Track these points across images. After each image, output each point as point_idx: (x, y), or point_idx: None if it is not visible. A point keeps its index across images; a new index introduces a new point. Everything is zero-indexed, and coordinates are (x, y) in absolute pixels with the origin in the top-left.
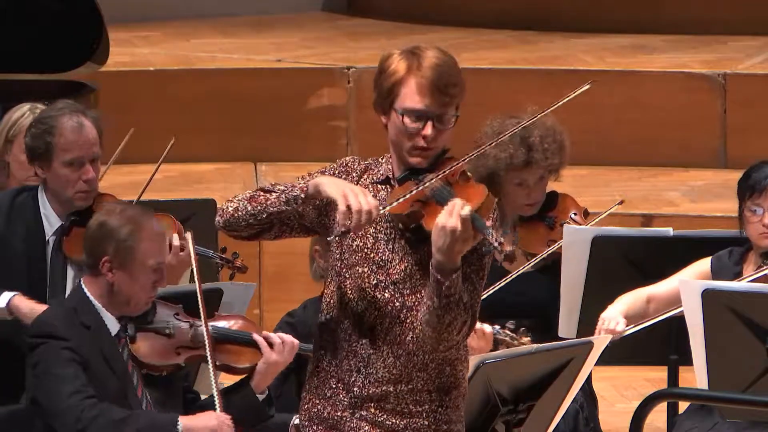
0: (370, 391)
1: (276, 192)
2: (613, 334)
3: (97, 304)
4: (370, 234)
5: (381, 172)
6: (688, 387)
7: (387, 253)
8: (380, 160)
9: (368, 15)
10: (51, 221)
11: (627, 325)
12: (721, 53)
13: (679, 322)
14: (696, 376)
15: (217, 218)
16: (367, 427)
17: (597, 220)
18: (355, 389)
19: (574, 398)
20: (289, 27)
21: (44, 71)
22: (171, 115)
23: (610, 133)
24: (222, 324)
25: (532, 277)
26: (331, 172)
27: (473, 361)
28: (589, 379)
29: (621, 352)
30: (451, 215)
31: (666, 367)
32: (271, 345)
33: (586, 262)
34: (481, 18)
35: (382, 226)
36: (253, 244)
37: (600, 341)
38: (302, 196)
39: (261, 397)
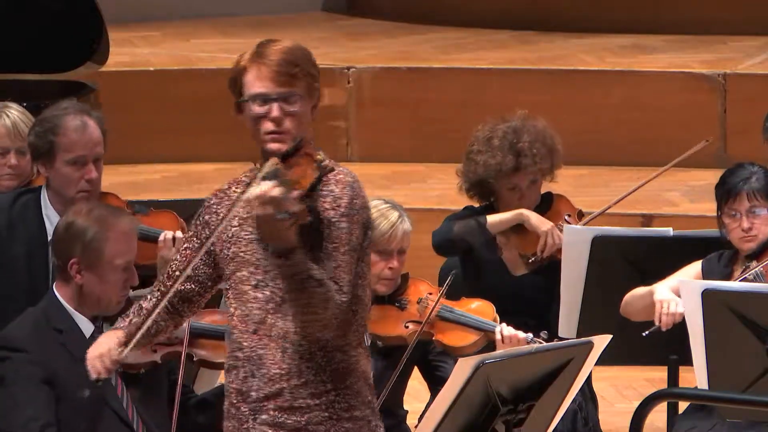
0: (266, 392)
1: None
2: (675, 318)
3: (69, 308)
4: (242, 238)
5: (253, 174)
6: (688, 387)
7: (261, 252)
8: (257, 166)
9: (368, 15)
10: (53, 221)
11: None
12: (721, 53)
13: (679, 322)
14: (696, 376)
15: None
16: (270, 431)
17: (591, 218)
18: (253, 393)
19: (573, 398)
20: (289, 27)
21: (44, 71)
22: (171, 115)
23: (609, 133)
24: (197, 319)
25: (529, 279)
26: (206, 206)
27: (473, 361)
28: (589, 379)
29: (621, 352)
30: (259, 202)
31: (666, 367)
32: None
33: (586, 262)
34: (481, 18)
35: (252, 227)
36: None
37: (600, 341)
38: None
39: None
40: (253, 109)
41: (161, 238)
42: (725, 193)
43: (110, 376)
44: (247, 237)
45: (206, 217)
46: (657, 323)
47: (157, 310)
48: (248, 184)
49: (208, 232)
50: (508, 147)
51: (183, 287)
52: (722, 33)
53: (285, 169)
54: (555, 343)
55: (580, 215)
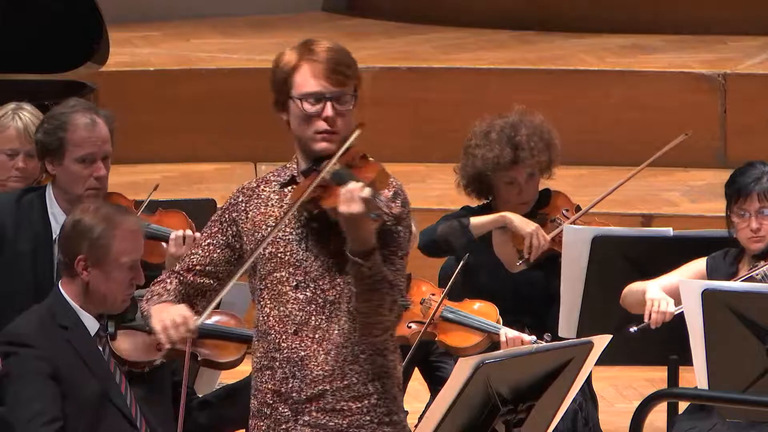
0: (308, 393)
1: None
2: (665, 317)
3: (74, 305)
4: (280, 239)
5: (286, 174)
6: (688, 387)
7: (301, 253)
8: (287, 165)
9: (368, 15)
10: (58, 219)
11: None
12: (721, 53)
13: (679, 322)
14: (696, 376)
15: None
16: None
17: (586, 210)
18: (294, 395)
19: (573, 398)
20: (289, 27)
21: (44, 71)
22: (171, 115)
23: (609, 133)
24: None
25: (527, 275)
26: (231, 202)
27: (473, 361)
28: (589, 379)
29: (621, 352)
30: (351, 200)
31: (666, 367)
32: None
33: (586, 262)
34: (481, 18)
35: (291, 228)
36: None
37: (600, 341)
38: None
39: None
40: (304, 108)
41: (172, 236)
42: (735, 192)
43: (183, 346)
44: (285, 237)
45: (234, 215)
46: (646, 320)
47: (227, 287)
48: (287, 185)
49: (235, 230)
50: (506, 140)
51: (202, 281)
52: (722, 33)
53: (347, 167)
54: (555, 343)
55: (578, 210)
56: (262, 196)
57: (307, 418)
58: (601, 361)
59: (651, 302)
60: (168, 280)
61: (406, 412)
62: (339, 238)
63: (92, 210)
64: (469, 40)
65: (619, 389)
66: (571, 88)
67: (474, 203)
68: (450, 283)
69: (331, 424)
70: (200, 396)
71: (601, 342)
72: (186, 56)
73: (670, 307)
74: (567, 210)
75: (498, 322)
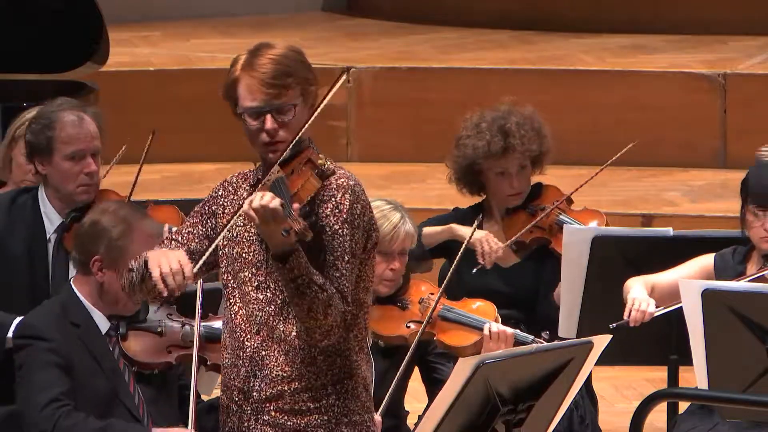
0: (268, 393)
1: (132, 270)
2: (644, 316)
3: (87, 303)
4: (245, 239)
5: (252, 175)
6: (688, 387)
7: (262, 253)
8: (259, 165)
9: (368, 15)
10: (52, 219)
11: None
12: (721, 53)
13: (679, 322)
14: (696, 376)
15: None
16: (270, 431)
17: (576, 190)
18: (254, 394)
19: None
20: (289, 27)
21: (44, 71)
22: (171, 115)
23: (609, 133)
24: (215, 324)
25: (519, 267)
26: (214, 195)
27: (473, 361)
28: (589, 379)
29: (621, 352)
30: (249, 205)
31: (666, 367)
32: None
33: (586, 262)
34: (481, 18)
35: (256, 228)
36: None
37: (600, 341)
38: (141, 273)
39: None
40: (247, 122)
41: (168, 232)
42: (754, 194)
43: (179, 293)
44: (249, 238)
45: (213, 207)
46: (626, 318)
47: (221, 236)
48: (252, 188)
49: (213, 223)
50: (496, 129)
51: None
52: (722, 33)
53: (287, 175)
54: (555, 343)
55: (569, 202)
56: (239, 194)
57: (266, 417)
58: (601, 361)
59: (632, 301)
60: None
61: (407, 412)
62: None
63: (111, 211)
64: (469, 40)
65: (619, 389)
66: (571, 88)
67: (468, 200)
68: (446, 281)
69: (289, 423)
70: (205, 399)
71: (601, 342)
72: (186, 56)
73: (650, 308)
74: (557, 201)
75: (497, 320)
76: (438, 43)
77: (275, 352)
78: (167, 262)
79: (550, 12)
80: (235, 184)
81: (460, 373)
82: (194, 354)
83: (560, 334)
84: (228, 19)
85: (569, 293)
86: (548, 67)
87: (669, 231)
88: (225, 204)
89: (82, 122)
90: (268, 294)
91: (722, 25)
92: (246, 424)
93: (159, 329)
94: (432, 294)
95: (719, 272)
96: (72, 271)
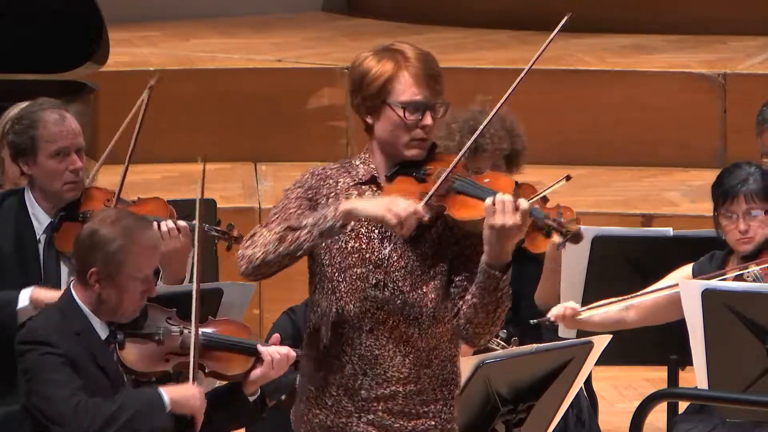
0: (378, 393)
1: (305, 228)
2: (566, 311)
3: (86, 310)
4: (362, 234)
5: (361, 172)
6: (688, 387)
7: (384, 251)
8: (353, 162)
9: (368, 15)
10: (40, 220)
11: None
12: (721, 53)
13: (679, 322)
14: (696, 376)
15: (244, 267)
16: (373, 431)
17: (540, 193)
18: (362, 392)
19: None
20: (289, 27)
21: (44, 71)
22: (171, 115)
23: (609, 133)
24: (214, 330)
25: None
26: (308, 184)
27: (472, 361)
28: (589, 379)
29: (621, 352)
30: (506, 213)
31: (666, 367)
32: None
33: (586, 262)
34: (481, 18)
35: (374, 225)
36: (251, 227)
37: (600, 341)
38: (338, 225)
39: (253, 398)
40: (405, 116)
41: (159, 230)
42: (722, 194)
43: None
44: (367, 234)
45: (312, 195)
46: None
47: (445, 174)
48: (364, 183)
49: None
50: (467, 130)
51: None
52: (722, 33)
53: (467, 173)
54: (555, 343)
55: (545, 200)
56: (340, 187)
57: (371, 416)
58: (601, 361)
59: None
60: (273, 231)
61: None
62: (429, 245)
63: (111, 221)
64: (469, 40)
65: (619, 389)
66: (571, 88)
67: None
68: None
69: (396, 425)
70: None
71: (601, 342)
72: (186, 56)
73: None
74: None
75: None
76: (438, 43)
77: (391, 352)
78: (396, 204)
79: (550, 12)
80: (331, 176)
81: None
82: (191, 361)
83: (560, 334)
84: (228, 19)
85: (569, 293)
86: (548, 67)
87: (669, 231)
88: (328, 194)
89: (64, 120)
90: (387, 293)
91: (722, 25)
92: (344, 420)
93: (157, 337)
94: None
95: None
96: (64, 270)
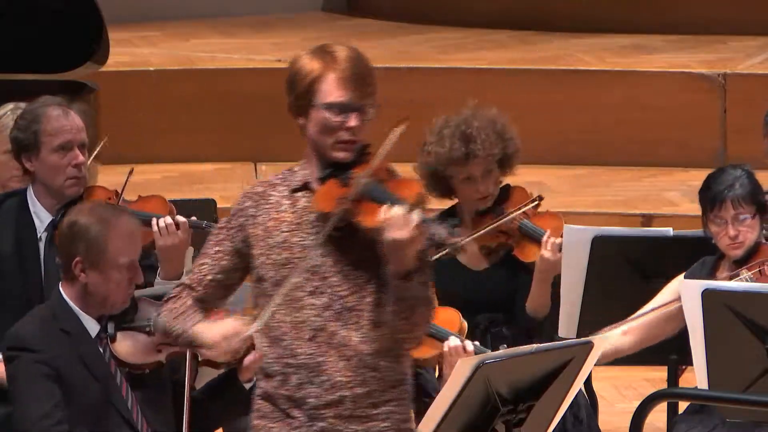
0: (327, 399)
1: (209, 342)
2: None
3: (75, 308)
4: (295, 244)
5: (297, 179)
6: (688, 387)
7: (316, 258)
8: (293, 169)
9: (368, 15)
10: (42, 217)
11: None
12: (721, 53)
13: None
14: (696, 376)
15: (164, 325)
16: None
17: (511, 214)
18: (310, 400)
19: None
20: (289, 27)
21: (44, 71)
22: (171, 115)
23: (609, 133)
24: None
25: (488, 273)
26: (236, 209)
27: (473, 361)
28: (589, 379)
29: None
30: (402, 226)
31: (666, 367)
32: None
33: (585, 262)
34: (481, 18)
35: (307, 233)
36: None
37: (600, 341)
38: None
39: (248, 386)
40: (328, 118)
41: (157, 225)
42: (710, 200)
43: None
44: (301, 242)
45: (241, 220)
46: None
47: (272, 307)
48: (297, 189)
49: (243, 235)
50: (458, 135)
51: (214, 292)
52: (722, 33)
53: (380, 180)
54: (555, 343)
55: (537, 206)
56: (272, 201)
57: (323, 424)
58: (601, 361)
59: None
60: (183, 296)
61: None
62: (361, 248)
63: (86, 211)
64: (469, 40)
65: (619, 389)
66: (571, 88)
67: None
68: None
69: (347, 430)
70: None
71: (601, 342)
72: (186, 56)
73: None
74: (521, 206)
75: (461, 329)
76: (438, 43)
77: (334, 357)
78: (218, 330)
79: (550, 12)
80: (263, 193)
81: (460, 373)
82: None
83: (560, 334)
84: (228, 19)
85: (569, 293)
86: (548, 67)
87: (669, 231)
88: (257, 214)
89: (67, 115)
90: (325, 299)
91: (722, 25)
92: (297, 431)
93: (148, 328)
94: None
95: None
96: None
